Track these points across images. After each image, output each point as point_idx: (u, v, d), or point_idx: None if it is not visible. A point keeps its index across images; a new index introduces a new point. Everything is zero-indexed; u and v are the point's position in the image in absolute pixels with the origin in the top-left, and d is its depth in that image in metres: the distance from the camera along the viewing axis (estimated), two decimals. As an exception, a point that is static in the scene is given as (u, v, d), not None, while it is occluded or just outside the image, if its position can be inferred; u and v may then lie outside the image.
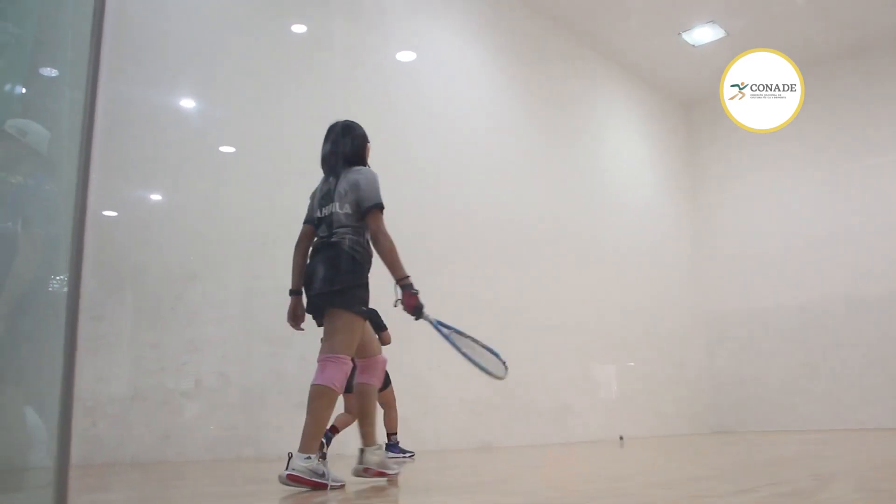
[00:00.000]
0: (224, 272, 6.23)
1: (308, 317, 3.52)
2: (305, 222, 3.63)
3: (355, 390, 3.59)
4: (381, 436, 6.47)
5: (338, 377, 3.24)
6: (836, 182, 11.20)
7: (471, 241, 8.28)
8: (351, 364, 3.39)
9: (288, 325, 3.60)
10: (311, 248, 3.55)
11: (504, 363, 3.46)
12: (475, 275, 8.07)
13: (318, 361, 3.30)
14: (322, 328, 3.45)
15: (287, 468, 3.07)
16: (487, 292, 8.10)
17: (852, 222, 10.86)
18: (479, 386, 7.72)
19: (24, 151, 3.24)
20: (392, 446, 5.77)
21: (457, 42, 8.94)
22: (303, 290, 3.51)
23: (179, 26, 6.44)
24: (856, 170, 11.04)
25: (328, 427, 5.26)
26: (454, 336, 3.47)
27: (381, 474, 3.50)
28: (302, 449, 3.13)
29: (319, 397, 3.21)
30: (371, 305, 3.53)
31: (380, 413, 5.64)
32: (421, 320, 3.42)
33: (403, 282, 3.39)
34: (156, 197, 6.23)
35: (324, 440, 5.21)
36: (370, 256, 3.49)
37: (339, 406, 6.38)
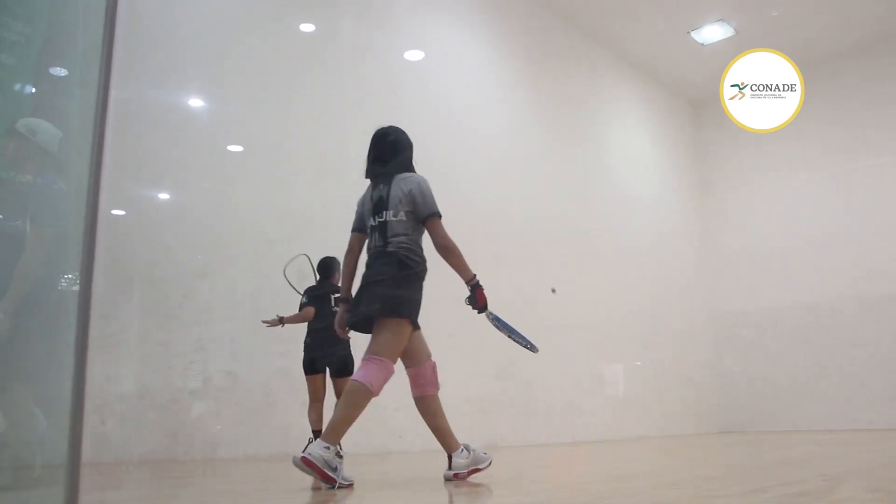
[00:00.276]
0: (232, 271, 6.25)
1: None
2: (355, 230, 3.67)
3: (419, 409, 3.56)
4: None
5: (378, 379, 3.29)
6: (846, 180, 11.14)
7: (478, 239, 8.26)
8: (394, 369, 3.42)
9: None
10: (367, 258, 3.57)
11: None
12: (482, 273, 8.00)
13: (362, 360, 3.34)
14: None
15: (304, 451, 3.09)
16: (494, 291, 8.01)
17: (861, 221, 10.81)
18: (487, 385, 7.72)
19: (33, 150, 3.24)
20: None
21: (465, 41, 8.93)
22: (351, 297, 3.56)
23: (188, 26, 6.46)
24: (865, 168, 10.98)
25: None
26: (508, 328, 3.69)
27: (475, 471, 3.51)
28: (324, 437, 3.16)
29: (354, 393, 3.26)
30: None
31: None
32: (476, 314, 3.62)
33: (473, 281, 3.55)
34: (164, 196, 6.24)
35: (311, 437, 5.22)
36: (425, 264, 3.52)
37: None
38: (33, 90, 3.19)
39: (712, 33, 10.65)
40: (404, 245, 3.44)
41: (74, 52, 2.67)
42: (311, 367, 5.43)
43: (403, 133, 3.78)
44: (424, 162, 8.29)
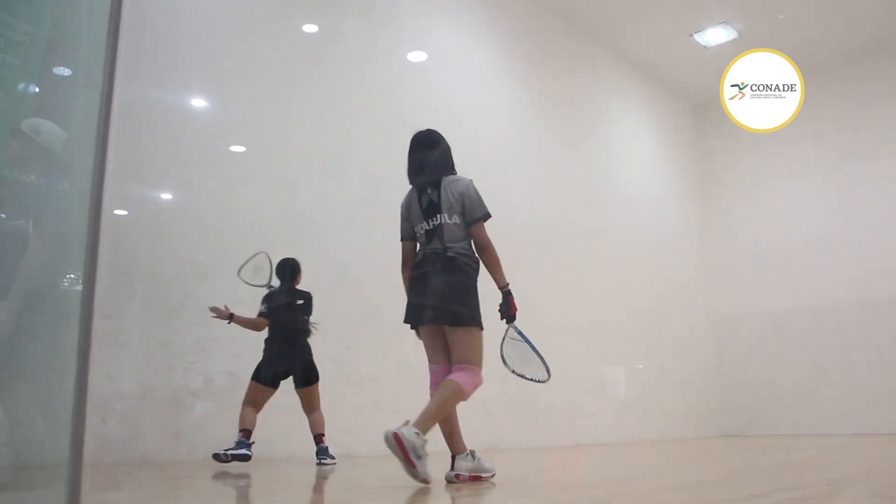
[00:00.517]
0: (234, 272, 6.24)
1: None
2: (406, 240, 3.72)
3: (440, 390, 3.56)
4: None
5: (469, 385, 3.43)
6: (847, 183, 11.13)
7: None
8: (482, 378, 3.54)
9: None
10: (420, 259, 3.62)
11: (548, 371, 3.69)
12: (484, 275, 8.05)
13: (454, 367, 3.46)
14: (420, 337, 3.64)
15: (397, 427, 3.17)
16: (496, 292, 8.07)
17: (862, 223, 10.79)
18: (488, 387, 7.70)
19: (37, 150, 3.25)
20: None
21: (467, 42, 8.93)
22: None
23: (191, 26, 6.46)
24: (866, 171, 10.97)
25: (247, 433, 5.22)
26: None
27: (477, 478, 3.51)
28: (417, 424, 3.25)
29: (451, 392, 3.39)
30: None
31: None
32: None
33: (507, 288, 3.64)
34: (166, 196, 6.25)
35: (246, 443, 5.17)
36: (479, 266, 3.62)
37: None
38: (37, 90, 3.20)
39: (715, 36, 10.65)
40: (464, 251, 3.55)
41: (78, 52, 2.68)
42: (270, 380, 5.34)
43: (442, 136, 3.83)
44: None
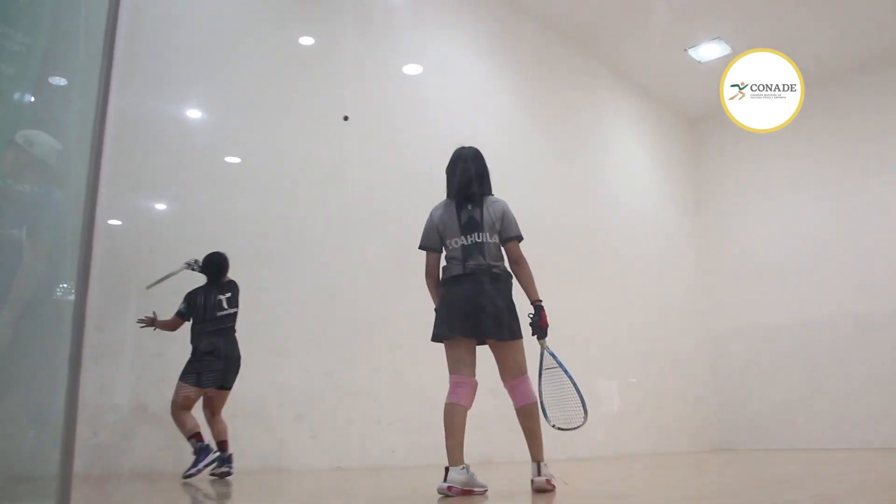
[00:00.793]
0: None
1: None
2: (433, 251, 3.85)
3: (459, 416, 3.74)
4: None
5: (535, 392, 3.82)
6: (842, 199, 11.17)
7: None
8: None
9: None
10: (459, 273, 3.74)
11: (585, 410, 3.90)
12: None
13: (514, 382, 3.78)
14: (451, 349, 3.76)
15: (540, 473, 3.63)
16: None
17: (857, 239, 10.83)
18: (482, 401, 7.68)
19: (30, 161, 3.25)
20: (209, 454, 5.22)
21: (463, 56, 8.97)
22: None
23: (187, 37, 6.48)
24: (861, 187, 11.01)
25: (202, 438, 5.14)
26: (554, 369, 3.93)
27: (468, 492, 3.54)
28: (537, 457, 3.75)
29: (535, 410, 3.82)
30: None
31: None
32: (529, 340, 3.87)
33: (539, 303, 3.83)
34: (161, 206, 6.24)
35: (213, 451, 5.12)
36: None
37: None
38: (33, 99, 3.20)
39: (709, 51, 10.72)
40: (506, 269, 3.78)
41: (75, 62, 2.68)
42: (210, 381, 5.27)
43: (482, 154, 4.04)
44: (422, 176, 8.31)
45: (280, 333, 6.42)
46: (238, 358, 5.45)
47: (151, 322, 5.30)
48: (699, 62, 10.94)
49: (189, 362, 5.29)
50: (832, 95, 11.16)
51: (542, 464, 3.65)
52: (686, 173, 12.83)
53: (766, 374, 11.37)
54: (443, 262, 3.87)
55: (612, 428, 9.69)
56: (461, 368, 3.72)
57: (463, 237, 3.74)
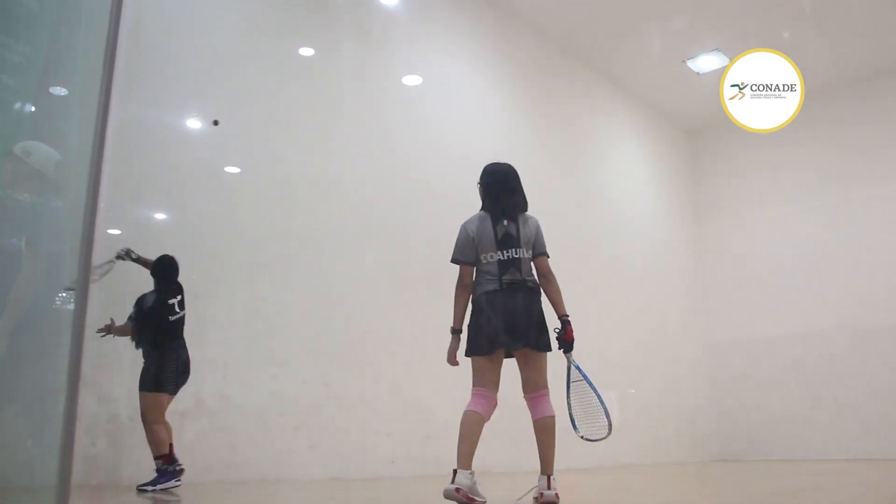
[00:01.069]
0: (227, 293, 6.23)
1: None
2: (469, 264, 3.90)
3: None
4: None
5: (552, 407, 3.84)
6: (840, 211, 11.18)
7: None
8: None
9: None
10: (495, 288, 3.80)
11: (609, 422, 4.02)
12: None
13: (535, 396, 3.83)
14: (481, 363, 3.79)
15: (549, 486, 3.63)
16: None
17: (855, 251, 10.83)
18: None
19: (28, 172, 3.26)
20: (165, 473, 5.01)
21: (463, 67, 9.00)
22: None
23: (187, 48, 6.50)
24: (860, 199, 11.03)
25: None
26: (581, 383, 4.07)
27: (471, 500, 3.53)
28: (547, 470, 3.72)
29: (554, 426, 3.82)
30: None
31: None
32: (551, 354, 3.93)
33: (566, 317, 3.92)
34: (160, 216, 6.24)
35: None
36: None
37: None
38: (34, 109, 3.21)
39: (708, 62, 10.75)
40: (537, 283, 3.89)
41: (75, 72, 2.70)
42: (173, 387, 5.16)
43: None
44: (421, 186, 8.34)
45: (278, 343, 6.41)
46: (189, 362, 5.33)
47: (109, 329, 5.15)
48: (698, 73, 10.98)
49: (158, 369, 5.09)
50: (830, 107, 11.18)
51: (551, 477, 3.68)
52: (684, 184, 12.84)
53: (764, 386, 11.35)
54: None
55: (612, 439, 9.64)
56: (487, 384, 3.78)
57: (499, 252, 3.82)
